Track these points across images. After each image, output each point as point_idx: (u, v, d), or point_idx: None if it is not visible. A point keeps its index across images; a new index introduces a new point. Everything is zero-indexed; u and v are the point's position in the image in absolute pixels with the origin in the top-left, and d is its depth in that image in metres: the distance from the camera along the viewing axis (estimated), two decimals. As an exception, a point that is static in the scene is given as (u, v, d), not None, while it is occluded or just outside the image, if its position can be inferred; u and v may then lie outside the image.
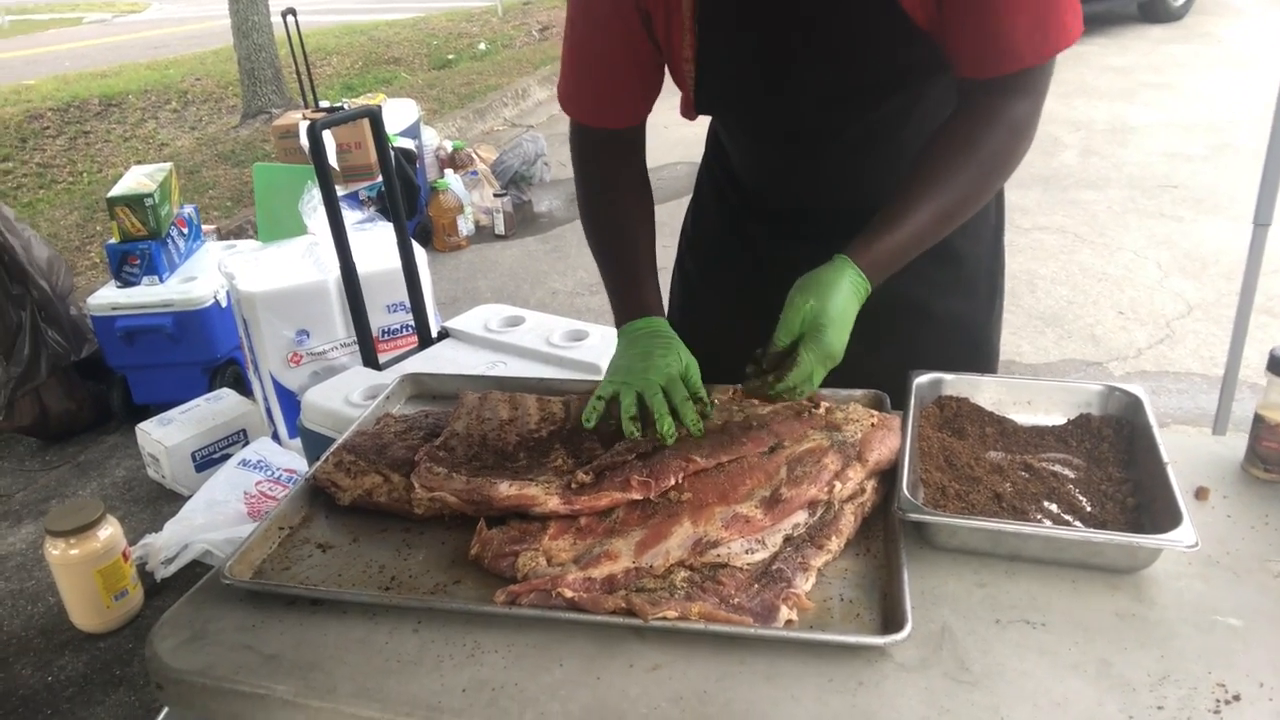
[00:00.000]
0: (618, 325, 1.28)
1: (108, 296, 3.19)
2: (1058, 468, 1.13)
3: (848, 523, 1.04)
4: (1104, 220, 4.71)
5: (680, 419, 1.14)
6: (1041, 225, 4.64)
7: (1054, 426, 1.20)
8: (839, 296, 1.07)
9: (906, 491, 1.02)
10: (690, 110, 1.29)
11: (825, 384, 1.26)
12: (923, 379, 1.24)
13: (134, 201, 3.23)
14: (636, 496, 1.07)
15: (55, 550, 2.22)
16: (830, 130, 1.25)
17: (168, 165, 3.57)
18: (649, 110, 1.33)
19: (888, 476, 1.10)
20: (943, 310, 1.34)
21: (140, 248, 3.23)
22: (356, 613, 0.98)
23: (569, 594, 0.94)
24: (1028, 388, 1.26)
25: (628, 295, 1.29)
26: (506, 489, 1.07)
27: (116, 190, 3.30)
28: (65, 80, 8.98)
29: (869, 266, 1.09)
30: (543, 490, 1.08)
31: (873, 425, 1.13)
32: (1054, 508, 1.05)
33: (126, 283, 3.24)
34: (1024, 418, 1.23)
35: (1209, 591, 0.95)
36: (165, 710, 1.61)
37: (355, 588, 1.02)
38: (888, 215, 1.11)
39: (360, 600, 0.99)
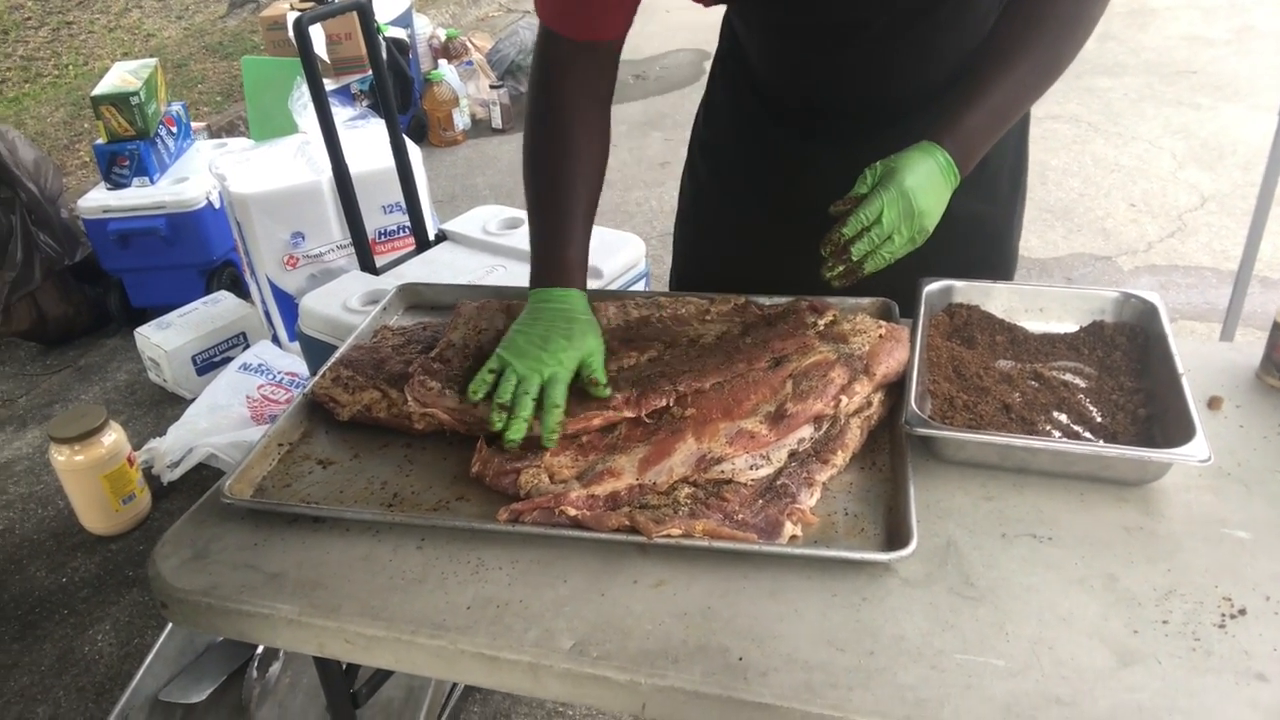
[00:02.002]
0: (531, 285, 1.16)
1: (98, 199, 3.12)
2: (1068, 377, 1.10)
3: (854, 437, 1.02)
4: (1119, 108, 4.57)
5: (541, 421, 1.04)
6: (1054, 114, 4.50)
7: (1066, 334, 1.17)
8: (923, 163, 1.02)
9: (914, 405, 1.00)
10: None
11: (837, 292, 1.22)
12: (933, 286, 1.21)
13: (119, 100, 3.12)
14: (628, 414, 1.05)
15: (61, 457, 2.24)
16: (856, 20, 1.16)
17: (153, 61, 3.44)
18: (628, 23, 1.18)
19: (895, 388, 1.08)
20: (964, 211, 1.27)
21: (129, 148, 3.14)
22: (359, 530, 0.98)
23: (572, 511, 0.94)
24: (1040, 294, 1.22)
25: (550, 254, 1.16)
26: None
27: (100, 89, 3.19)
28: (42, -34, 8.60)
29: (956, 148, 1.04)
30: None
31: (880, 337, 1.10)
32: (1064, 418, 1.03)
33: (117, 184, 3.17)
34: (1036, 325, 1.20)
35: (1218, 504, 0.94)
36: (170, 625, 1.65)
37: (357, 505, 1.01)
38: (965, 94, 1.06)
39: (363, 518, 0.98)
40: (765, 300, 1.24)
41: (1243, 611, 0.82)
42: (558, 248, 1.16)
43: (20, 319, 3.15)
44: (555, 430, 1.03)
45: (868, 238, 1.03)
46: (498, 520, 0.94)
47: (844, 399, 1.03)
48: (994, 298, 1.22)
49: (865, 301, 1.24)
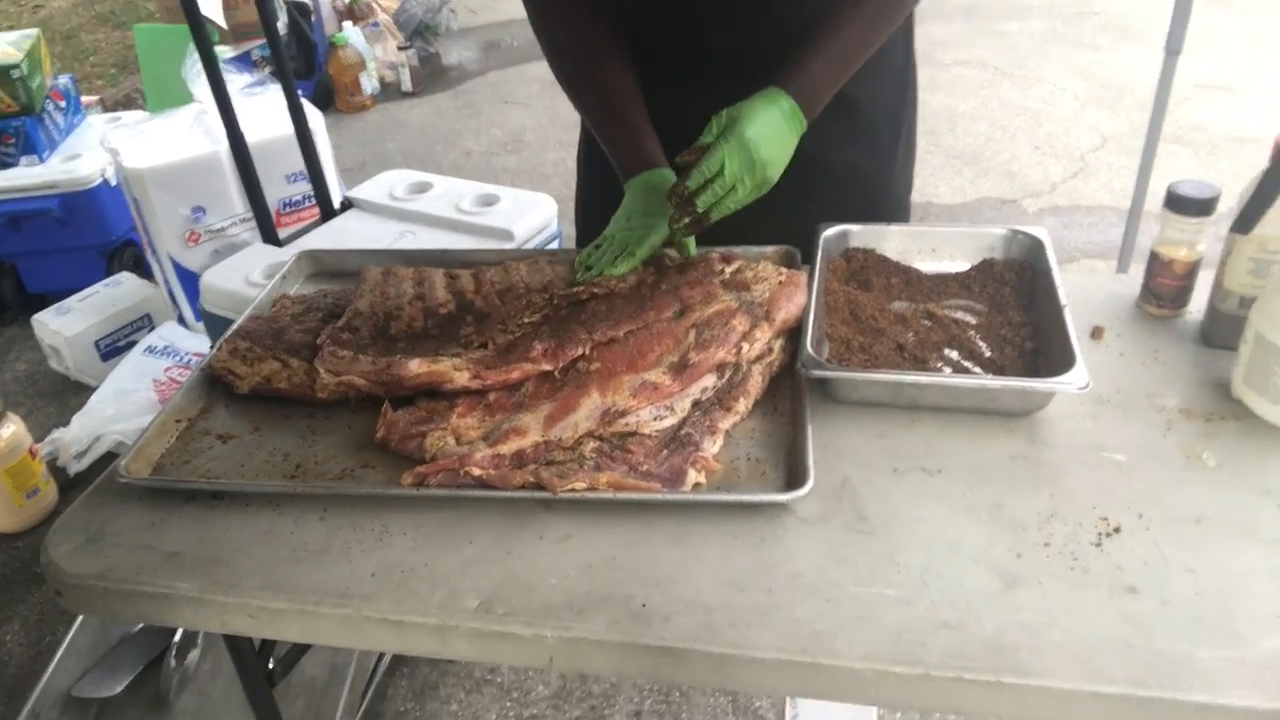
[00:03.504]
0: (624, 178, 1.23)
1: (-16, 179, 2.97)
2: (960, 314, 1.14)
3: (755, 384, 1.04)
4: (1024, 51, 4.67)
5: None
6: (962, 59, 4.58)
7: (958, 273, 1.21)
8: (766, 112, 1.05)
9: (810, 349, 1.02)
10: None
11: (734, 241, 1.24)
12: (830, 232, 1.23)
13: (1, 75, 2.96)
14: (546, 367, 1.05)
15: (-43, 452, 2.15)
16: None
17: (34, 31, 3.26)
18: None
19: (795, 334, 1.10)
20: (839, 162, 1.30)
21: (14, 125, 2.99)
22: (260, 504, 0.96)
23: (477, 472, 0.94)
24: (933, 235, 1.25)
25: (629, 149, 1.23)
26: (416, 367, 1.05)
27: (-24, 61, 3.02)
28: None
29: (800, 94, 1.07)
30: (452, 367, 1.05)
31: (780, 283, 1.12)
32: (954, 355, 1.07)
33: (4, 164, 3.01)
34: (929, 266, 1.23)
35: (1097, 429, 0.98)
36: (80, 619, 1.61)
37: (258, 478, 0.99)
38: (809, 41, 1.09)
39: (263, 490, 0.97)
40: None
41: (1117, 530, 0.86)
42: (633, 142, 1.22)
43: (-94, 310, 3.00)
44: (622, 269, 1.16)
45: (711, 190, 1.05)
46: (401, 485, 0.94)
47: (745, 346, 1.05)
48: (889, 240, 1.25)
49: (769, 250, 1.26)
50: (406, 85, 4.93)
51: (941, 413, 1.01)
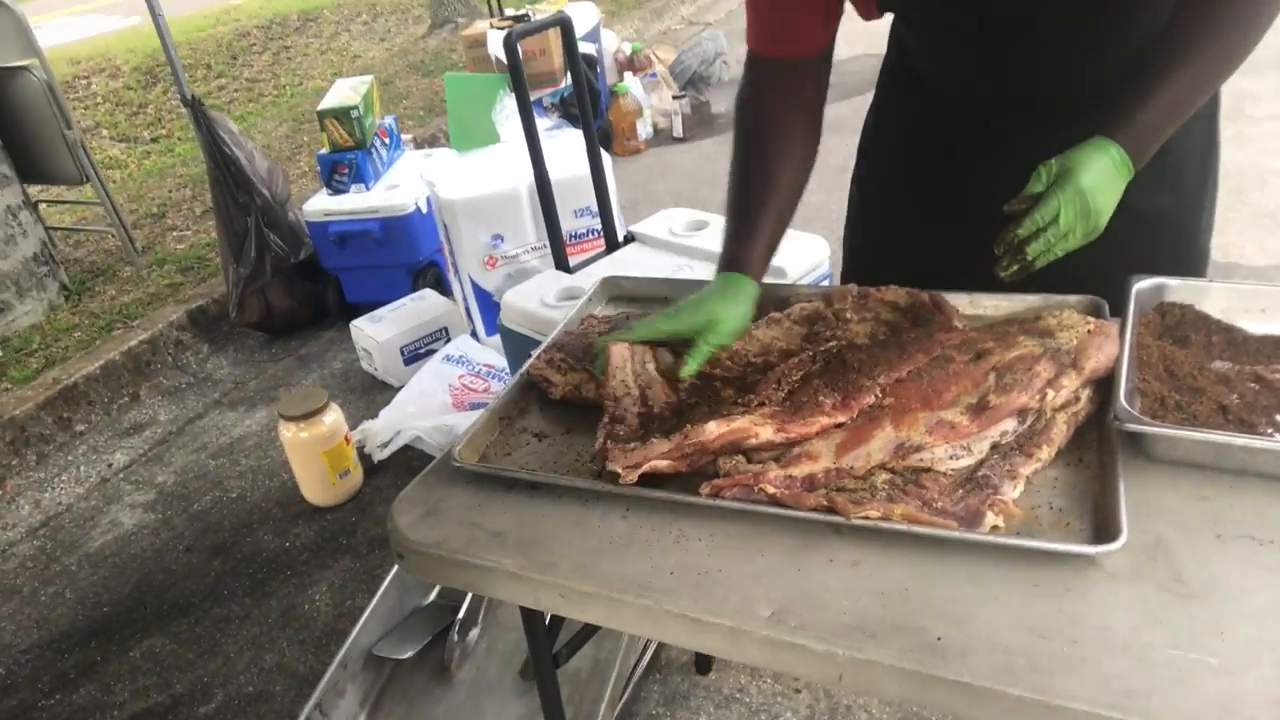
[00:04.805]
0: (718, 265, 1.26)
1: (320, 203, 3.44)
2: (1296, 381, 1.05)
3: (1059, 431, 1.01)
4: (1350, 107, 4.16)
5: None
6: (1275, 114, 4.15)
7: (1292, 337, 1.11)
8: (1098, 161, 1.03)
9: (1123, 401, 0.98)
10: (871, 8, 1.23)
11: (1033, 287, 1.22)
12: (1143, 284, 1.17)
13: (341, 114, 3.43)
14: (841, 419, 1.05)
15: (287, 433, 2.49)
16: (1019, 19, 1.16)
17: (369, 78, 3.75)
18: (829, 39, 1.25)
19: (1103, 386, 1.06)
20: (1147, 205, 1.24)
21: (348, 157, 3.44)
22: (570, 497, 1.05)
23: (770, 489, 0.98)
24: (1262, 294, 1.16)
25: (738, 246, 1.25)
26: (715, 429, 1.02)
27: (325, 103, 3.51)
28: (267, -2, 9.52)
29: (1129, 144, 1.04)
30: (751, 423, 1.03)
31: (1089, 332, 1.09)
32: (1290, 423, 0.98)
33: (337, 190, 3.48)
34: (1256, 326, 1.14)
35: None
36: (394, 570, 1.81)
37: (569, 474, 1.09)
38: (1139, 90, 1.06)
39: (575, 486, 1.06)
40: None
41: None
42: (746, 241, 1.25)
43: (251, 311, 3.51)
44: (689, 368, 1.16)
45: (1044, 238, 1.04)
46: (700, 494, 1.00)
47: (1050, 393, 1.02)
48: (1210, 297, 1.17)
49: (1072, 299, 1.22)
50: (678, 131, 5.17)
51: (1272, 481, 0.93)
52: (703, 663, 1.97)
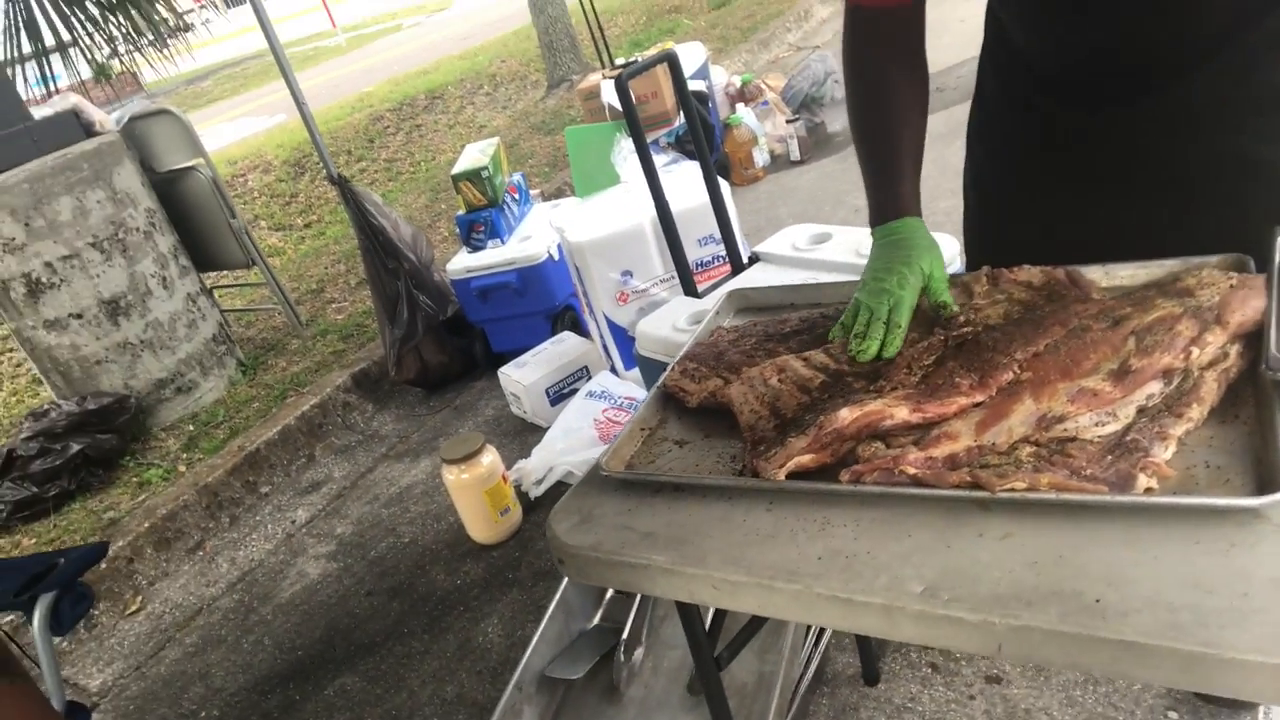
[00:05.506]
0: (872, 226, 1.27)
1: (462, 261, 3.65)
2: None
3: (1210, 390, 0.98)
4: None
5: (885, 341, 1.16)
6: None
7: None
8: None
9: (1275, 350, 0.94)
10: None
11: (1164, 254, 1.19)
12: (1291, 233, 1.12)
13: (473, 176, 3.64)
14: (979, 399, 1.05)
15: (450, 476, 2.64)
16: None
17: (495, 140, 3.97)
18: None
19: (1254, 340, 1.02)
20: (1275, 158, 1.18)
21: (483, 216, 3.64)
22: (714, 496, 1.10)
23: (912, 470, 0.99)
24: None
25: (884, 192, 1.26)
26: (849, 414, 1.04)
27: (458, 168, 3.74)
28: (396, 82, 10.15)
29: None
30: (885, 405, 1.05)
31: (1231, 287, 1.05)
32: None
33: (475, 248, 3.68)
34: None
35: None
36: (565, 583, 1.89)
37: (711, 475, 1.13)
38: None
39: (718, 484, 1.10)
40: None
41: None
42: (889, 184, 1.26)
43: (408, 368, 3.74)
44: (891, 345, 1.16)
45: None
46: (841, 481, 1.02)
47: (1195, 350, 0.99)
48: (1371, 238, 1.11)
49: (1214, 259, 1.17)
50: (795, 154, 5.19)
51: None
52: (870, 674, 1.95)
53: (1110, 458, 0.94)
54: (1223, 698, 1.71)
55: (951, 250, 2.20)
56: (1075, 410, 0.99)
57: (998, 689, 1.85)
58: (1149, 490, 0.90)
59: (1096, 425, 0.98)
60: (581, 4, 4.81)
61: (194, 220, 4.30)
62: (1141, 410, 0.99)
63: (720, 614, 1.30)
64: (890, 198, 1.26)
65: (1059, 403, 1.00)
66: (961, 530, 0.94)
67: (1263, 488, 0.86)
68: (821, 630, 1.96)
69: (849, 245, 2.35)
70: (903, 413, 1.04)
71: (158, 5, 4.76)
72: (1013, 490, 0.92)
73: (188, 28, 5.23)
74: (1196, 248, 1.17)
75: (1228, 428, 0.97)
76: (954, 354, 1.13)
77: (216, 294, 4.62)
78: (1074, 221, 1.29)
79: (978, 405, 1.05)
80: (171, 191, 4.23)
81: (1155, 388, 1.00)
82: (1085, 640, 0.80)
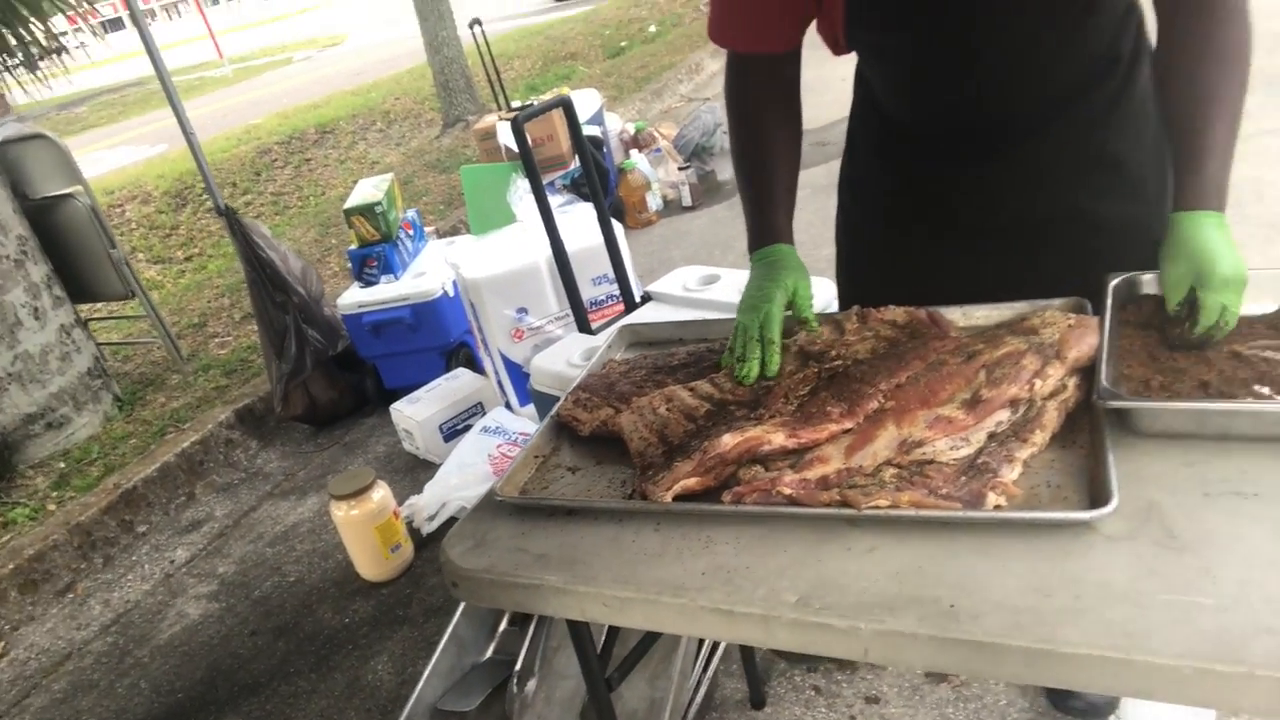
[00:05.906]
0: (749, 251, 1.40)
1: (353, 296, 3.61)
2: (1269, 353, 1.12)
3: (1051, 417, 1.09)
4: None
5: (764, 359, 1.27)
6: (1267, 130, 4.24)
7: (1263, 315, 1.19)
8: (1211, 240, 1.14)
9: (1106, 383, 1.06)
10: (839, 44, 1.35)
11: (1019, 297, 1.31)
12: (1119, 279, 1.26)
13: (366, 210, 3.63)
14: (848, 425, 1.14)
15: (339, 512, 2.59)
16: (966, 48, 1.27)
17: (389, 175, 3.96)
18: (800, 34, 1.39)
19: (1090, 374, 1.14)
20: (1112, 214, 1.33)
21: (376, 251, 3.62)
22: (605, 519, 1.14)
23: (787, 491, 1.06)
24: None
25: (758, 222, 1.40)
26: (730, 439, 1.12)
27: (351, 202, 3.71)
28: (285, 116, 9.95)
29: (1211, 198, 1.17)
30: (764, 431, 1.13)
31: (1069, 326, 1.17)
32: (1265, 390, 1.05)
33: (367, 283, 3.65)
34: (1232, 309, 1.22)
35: None
36: (457, 616, 1.89)
37: (603, 499, 1.18)
38: (1193, 150, 1.19)
39: (608, 507, 1.15)
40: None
41: None
42: (764, 214, 1.40)
43: (295, 404, 3.66)
44: (770, 362, 1.27)
45: (1221, 329, 1.13)
46: (723, 502, 1.08)
47: (1038, 382, 1.11)
48: (1186, 285, 1.25)
49: (1057, 302, 1.30)
50: (686, 200, 5.35)
51: (1254, 442, 1.00)
52: (757, 698, 2.01)
53: (964, 478, 1.03)
54: (1080, 709, 1.84)
55: (828, 293, 2.32)
56: (933, 435, 1.09)
57: (876, 709, 1.94)
58: (998, 507, 0.99)
59: (952, 449, 1.08)
60: (478, 47, 4.85)
61: (70, 250, 4.12)
62: (991, 436, 1.09)
63: (611, 637, 1.34)
64: (765, 226, 1.39)
65: (919, 429, 1.10)
66: (831, 545, 1.01)
67: (1094, 503, 0.97)
68: (710, 655, 2.01)
69: (737, 286, 2.45)
70: (780, 438, 1.12)
71: (32, 24, 4.56)
72: (877, 508, 1.01)
73: (61, 50, 5.02)
74: (1044, 291, 1.30)
75: (1067, 451, 1.08)
76: (826, 385, 1.22)
77: (92, 326, 4.42)
78: (934, 265, 1.42)
79: (847, 431, 1.13)
80: (45, 219, 4.05)
81: (1003, 415, 1.10)
82: (942, 641, 0.88)
